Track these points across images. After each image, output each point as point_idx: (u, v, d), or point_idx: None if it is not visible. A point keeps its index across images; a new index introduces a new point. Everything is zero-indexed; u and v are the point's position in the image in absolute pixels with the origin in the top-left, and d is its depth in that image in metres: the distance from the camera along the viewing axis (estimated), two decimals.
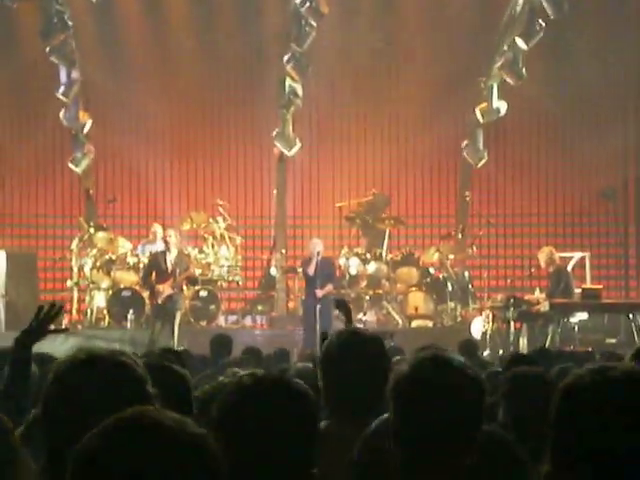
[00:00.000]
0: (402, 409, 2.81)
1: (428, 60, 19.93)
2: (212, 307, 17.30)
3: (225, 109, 20.41)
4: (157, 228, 17.69)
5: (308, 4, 17.05)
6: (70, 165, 18.92)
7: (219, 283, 17.93)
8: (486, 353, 15.11)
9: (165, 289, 15.82)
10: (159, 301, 15.83)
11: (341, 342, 3.90)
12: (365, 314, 17.46)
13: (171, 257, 16.00)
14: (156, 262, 16.11)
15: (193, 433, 1.85)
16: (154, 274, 15.97)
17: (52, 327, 4.34)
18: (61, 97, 18.32)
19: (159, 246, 16.77)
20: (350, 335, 3.99)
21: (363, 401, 3.68)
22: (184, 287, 16.53)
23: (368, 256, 17.89)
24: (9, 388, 4.17)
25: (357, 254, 17.88)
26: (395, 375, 2.86)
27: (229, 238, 18.15)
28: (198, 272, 17.58)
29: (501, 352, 14.71)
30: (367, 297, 17.69)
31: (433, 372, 2.80)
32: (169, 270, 15.91)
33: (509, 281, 17.85)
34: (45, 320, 4.22)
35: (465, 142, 18.95)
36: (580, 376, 2.34)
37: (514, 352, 6.11)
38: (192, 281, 16.83)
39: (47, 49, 17.92)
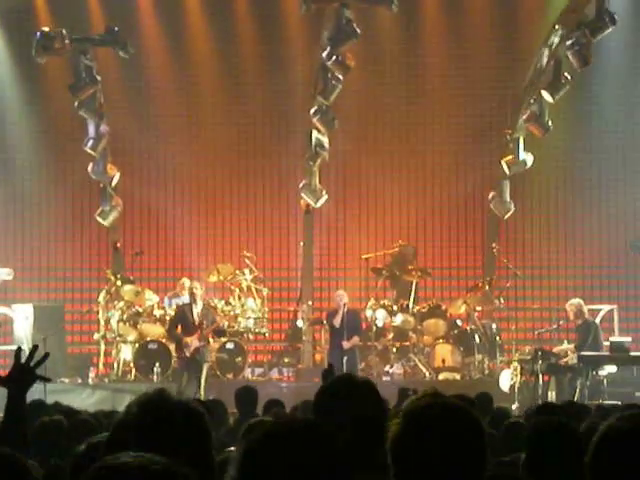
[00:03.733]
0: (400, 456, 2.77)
1: (454, 112, 20.01)
2: (239, 359, 17.27)
3: (252, 161, 20.51)
4: (185, 281, 17.74)
5: (334, 58, 17.17)
6: (98, 218, 19.01)
7: (246, 335, 17.90)
8: (514, 406, 14.96)
9: (193, 342, 15.89)
10: (187, 354, 15.88)
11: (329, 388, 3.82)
12: (392, 366, 17.36)
13: (197, 309, 16.08)
14: (183, 315, 16.20)
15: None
16: (180, 327, 16.07)
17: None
18: (89, 150, 18.46)
19: (185, 299, 16.85)
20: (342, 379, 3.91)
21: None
22: (211, 339, 16.55)
23: (395, 308, 17.83)
24: (4, 434, 4.14)
25: (384, 306, 17.83)
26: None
27: (256, 290, 18.15)
28: (224, 324, 17.58)
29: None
30: (394, 349, 17.61)
31: (431, 417, 2.76)
32: (196, 323, 15.98)
33: (537, 333, 17.71)
34: (35, 365, 4.20)
35: (492, 194, 18.92)
36: (613, 425, 2.36)
37: (539, 403, 6.07)
38: (219, 333, 16.87)
39: (75, 103, 18.11)
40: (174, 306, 17.30)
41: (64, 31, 17.65)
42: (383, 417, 3.56)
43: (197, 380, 15.68)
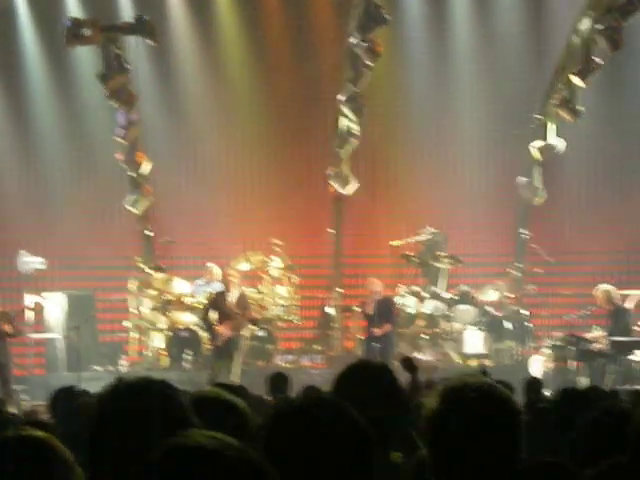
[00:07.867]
0: (434, 441, 2.76)
1: (484, 98, 19.92)
2: (269, 347, 17.30)
3: (281, 148, 20.51)
4: (213, 268, 17.70)
5: (363, 44, 17.12)
6: (127, 207, 19.07)
7: (276, 322, 17.93)
8: (547, 392, 14.88)
9: (225, 330, 15.66)
10: (219, 342, 15.59)
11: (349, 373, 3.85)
12: (422, 353, 17.33)
13: (231, 298, 15.80)
14: (216, 303, 15.91)
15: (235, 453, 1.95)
16: (214, 315, 15.76)
17: None
18: (119, 139, 18.53)
19: (218, 287, 16.66)
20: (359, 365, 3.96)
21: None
22: (244, 328, 16.48)
23: (425, 295, 17.80)
24: None
25: (414, 293, 17.80)
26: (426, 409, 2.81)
27: (286, 277, 18.17)
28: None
29: None
30: (425, 336, 17.58)
31: (461, 401, 2.75)
32: (230, 311, 15.71)
33: (565, 319, 17.64)
34: None
35: (519, 179, 18.81)
36: None
37: (565, 388, 5.98)
38: (253, 322, 16.68)
39: (106, 92, 18.16)
40: (203, 294, 17.21)
41: (94, 19, 17.70)
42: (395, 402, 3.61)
43: (229, 369, 15.52)
